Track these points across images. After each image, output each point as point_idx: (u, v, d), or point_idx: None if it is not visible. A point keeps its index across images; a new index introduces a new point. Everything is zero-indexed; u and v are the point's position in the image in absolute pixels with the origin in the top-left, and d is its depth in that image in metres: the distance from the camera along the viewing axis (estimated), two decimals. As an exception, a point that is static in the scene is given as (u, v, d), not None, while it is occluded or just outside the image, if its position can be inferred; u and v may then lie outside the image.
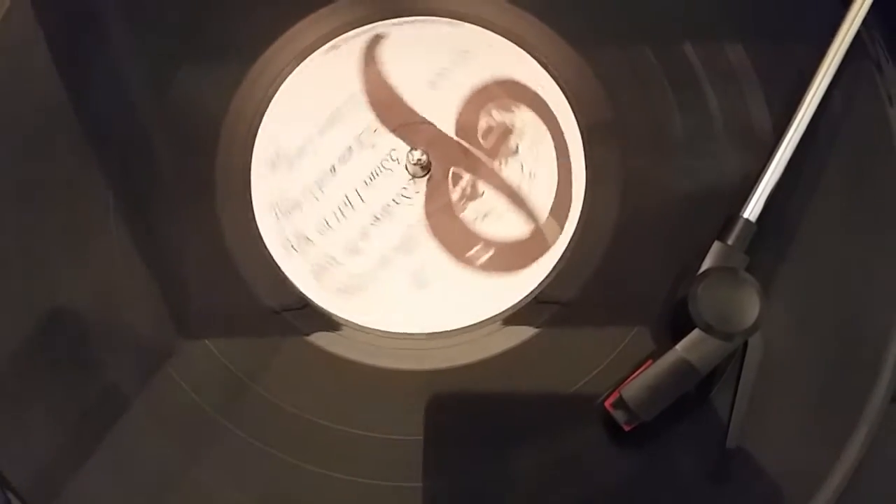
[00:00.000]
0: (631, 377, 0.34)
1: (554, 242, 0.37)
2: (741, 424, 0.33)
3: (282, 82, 0.39)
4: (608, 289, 0.36)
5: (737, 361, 0.34)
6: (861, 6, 0.37)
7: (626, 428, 0.33)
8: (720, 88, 0.38)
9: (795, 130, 0.36)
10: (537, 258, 0.37)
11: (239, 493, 0.34)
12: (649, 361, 0.34)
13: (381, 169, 0.38)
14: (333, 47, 0.40)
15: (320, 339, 0.36)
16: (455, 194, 0.38)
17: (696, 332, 0.33)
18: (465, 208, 0.37)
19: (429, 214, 0.38)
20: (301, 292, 0.37)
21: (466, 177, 0.38)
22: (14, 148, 0.38)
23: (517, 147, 0.38)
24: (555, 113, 0.38)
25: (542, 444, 0.35)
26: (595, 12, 0.40)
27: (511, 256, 0.37)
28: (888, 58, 0.39)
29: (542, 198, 0.38)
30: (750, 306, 0.33)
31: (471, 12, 0.40)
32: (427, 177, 0.38)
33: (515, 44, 0.39)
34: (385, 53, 0.39)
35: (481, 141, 0.38)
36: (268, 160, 0.38)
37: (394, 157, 0.38)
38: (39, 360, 0.36)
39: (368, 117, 0.39)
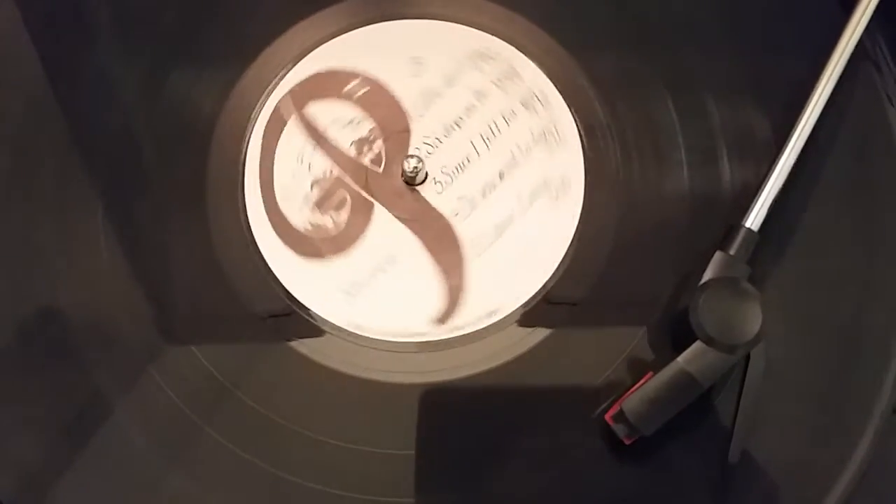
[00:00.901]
0: (632, 389, 0.33)
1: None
2: (744, 439, 0.33)
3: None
4: (606, 300, 0.36)
5: (739, 373, 0.33)
6: (862, 16, 0.36)
7: (627, 441, 0.33)
8: (721, 96, 0.38)
9: (797, 140, 0.35)
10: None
11: (221, 500, 0.34)
12: (650, 374, 0.33)
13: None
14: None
15: (309, 346, 0.36)
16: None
17: (697, 345, 0.33)
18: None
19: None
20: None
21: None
22: (3, 149, 0.37)
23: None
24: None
25: (541, 458, 0.34)
26: (595, 21, 0.39)
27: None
28: (889, 62, 0.38)
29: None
30: (752, 318, 0.32)
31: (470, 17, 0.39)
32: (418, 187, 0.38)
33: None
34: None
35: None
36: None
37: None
38: (24, 363, 0.35)
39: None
